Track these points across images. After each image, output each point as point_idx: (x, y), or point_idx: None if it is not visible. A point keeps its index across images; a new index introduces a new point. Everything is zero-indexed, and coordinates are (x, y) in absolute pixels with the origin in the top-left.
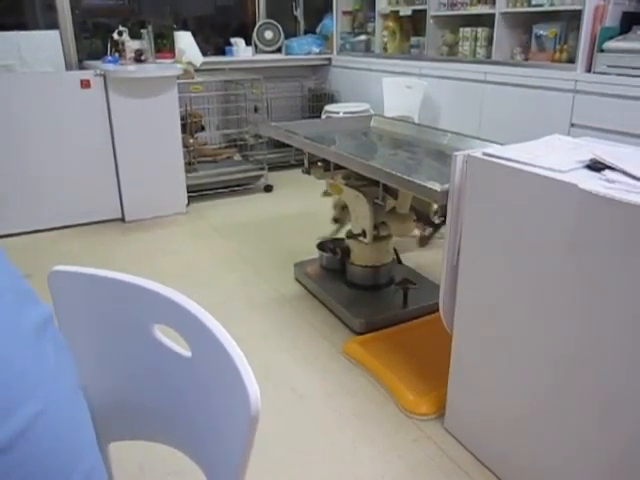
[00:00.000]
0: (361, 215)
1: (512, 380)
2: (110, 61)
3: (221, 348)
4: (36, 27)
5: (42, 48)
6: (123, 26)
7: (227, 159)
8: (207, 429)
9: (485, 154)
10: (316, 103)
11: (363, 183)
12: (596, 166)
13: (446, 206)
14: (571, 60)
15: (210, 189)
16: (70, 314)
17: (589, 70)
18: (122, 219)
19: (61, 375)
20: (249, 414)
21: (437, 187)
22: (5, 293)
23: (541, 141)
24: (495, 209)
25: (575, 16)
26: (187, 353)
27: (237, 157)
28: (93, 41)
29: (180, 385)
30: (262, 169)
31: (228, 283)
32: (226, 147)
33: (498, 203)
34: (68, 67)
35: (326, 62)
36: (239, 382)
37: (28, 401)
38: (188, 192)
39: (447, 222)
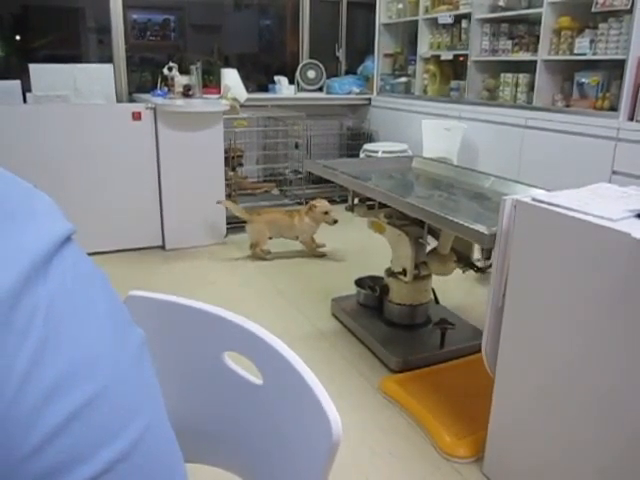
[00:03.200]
0: (403, 254)
1: (557, 427)
2: (159, 95)
3: (296, 375)
4: (87, 60)
5: (96, 80)
6: (173, 62)
7: (265, 193)
8: (280, 457)
9: (535, 200)
10: (354, 142)
11: (405, 222)
12: None
13: (491, 249)
14: (613, 108)
15: None
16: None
17: (632, 119)
18: (162, 247)
19: (157, 393)
20: (330, 441)
21: (485, 230)
22: (116, 313)
23: (589, 188)
24: (544, 255)
25: (618, 65)
26: (258, 381)
27: (275, 191)
28: (142, 75)
29: (251, 412)
30: (299, 204)
31: (264, 315)
32: (265, 181)
33: (547, 249)
34: (119, 99)
35: (366, 102)
36: (318, 409)
37: (140, 414)
38: (227, 224)
39: (493, 265)
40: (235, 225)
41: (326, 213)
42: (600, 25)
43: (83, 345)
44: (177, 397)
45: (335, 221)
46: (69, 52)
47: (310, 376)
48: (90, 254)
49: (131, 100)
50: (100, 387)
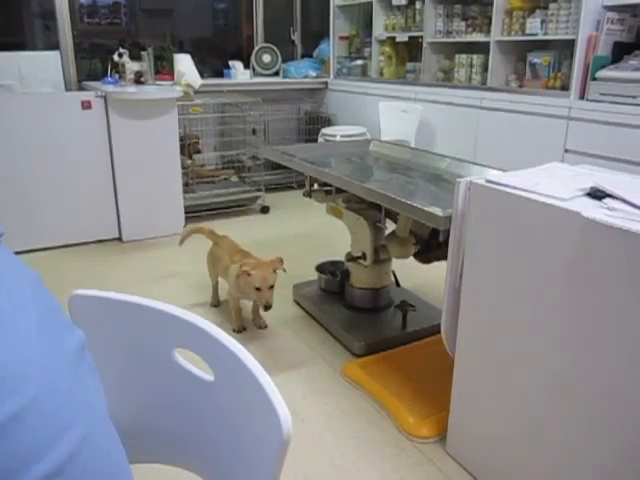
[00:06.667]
0: (361, 238)
1: (514, 404)
2: (110, 82)
3: (247, 372)
4: (33, 47)
5: (42, 68)
6: (123, 48)
7: (224, 180)
8: (232, 454)
9: (488, 181)
10: (313, 126)
11: (363, 206)
12: (596, 194)
13: (448, 231)
14: (565, 87)
15: (207, 210)
16: (90, 338)
17: (582, 97)
18: (119, 239)
19: (98, 399)
20: (280, 438)
21: (440, 212)
22: (49, 318)
23: (541, 168)
24: (498, 235)
25: (568, 45)
26: (209, 377)
27: (234, 178)
28: (92, 62)
29: (202, 409)
30: (259, 190)
31: (225, 305)
32: (223, 168)
33: (501, 229)
34: (68, 87)
35: (323, 86)
36: (268, 406)
37: (75, 424)
38: (185, 213)
39: (449, 247)
40: (193, 215)
41: (258, 290)
42: (550, 5)
43: (8, 356)
44: (127, 396)
45: (267, 307)
46: (13, 39)
47: (261, 373)
48: (43, 249)
49: (81, 88)
50: (28, 399)
